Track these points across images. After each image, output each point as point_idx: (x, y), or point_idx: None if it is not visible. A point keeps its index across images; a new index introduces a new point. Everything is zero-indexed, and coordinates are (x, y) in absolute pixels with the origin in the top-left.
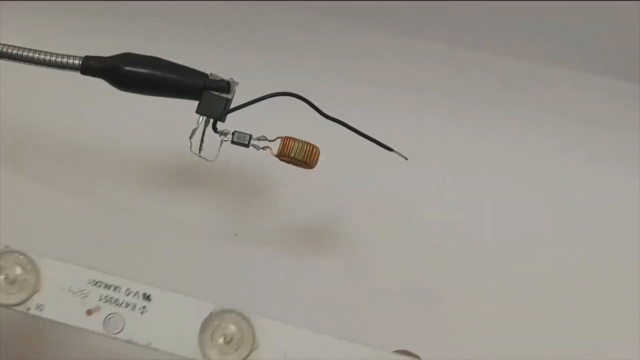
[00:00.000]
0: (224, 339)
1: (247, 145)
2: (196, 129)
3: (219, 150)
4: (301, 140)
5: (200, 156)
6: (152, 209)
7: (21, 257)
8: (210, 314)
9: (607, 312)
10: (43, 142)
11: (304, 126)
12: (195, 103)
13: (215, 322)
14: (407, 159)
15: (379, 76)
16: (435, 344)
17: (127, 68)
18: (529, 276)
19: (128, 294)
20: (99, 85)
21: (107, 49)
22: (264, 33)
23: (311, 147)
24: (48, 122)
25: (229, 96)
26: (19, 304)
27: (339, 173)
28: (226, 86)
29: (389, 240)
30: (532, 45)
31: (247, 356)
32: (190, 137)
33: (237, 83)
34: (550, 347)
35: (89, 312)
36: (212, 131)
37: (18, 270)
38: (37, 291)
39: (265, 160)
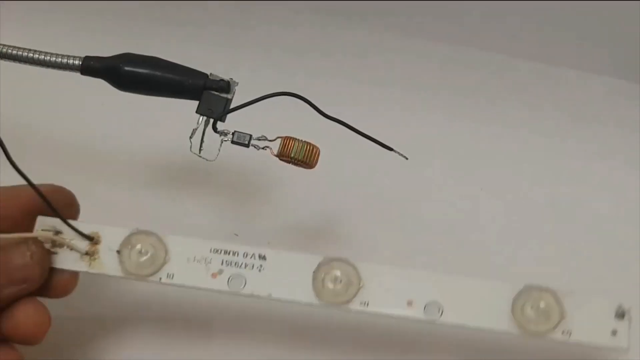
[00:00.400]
0: (334, 282)
1: (247, 145)
2: (196, 129)
3: (219, 150)
4: (301, 140)
5: (200, 156)
6: (152, 209)
7: (150, 235)
8: (319, 264)
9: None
10: (43, 143)
11: (304, 126)
12: (195, 103)
13: (324, 270)
14: (407, 158)
15: (379, 76)
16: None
17: (127, 68)
18: (529, 276)
19: (246, 257)
20: (99, 85)
21: (107, 49)
22: (263, 33)
23: (311, 147)
24: (48, 122)
25: (229, 96)
26: (151, 275)
27: (339, 173)
28: (226, 86)
29: (389, 240)
30: (533, 44)
31: (355, 295)
32: (190, 137)
33: (237, 83)
34: (550, 347)
35: (214, 275)
36: (212, 131)
37: (148, 247)
38: (166, 262)
39: (266, 160)
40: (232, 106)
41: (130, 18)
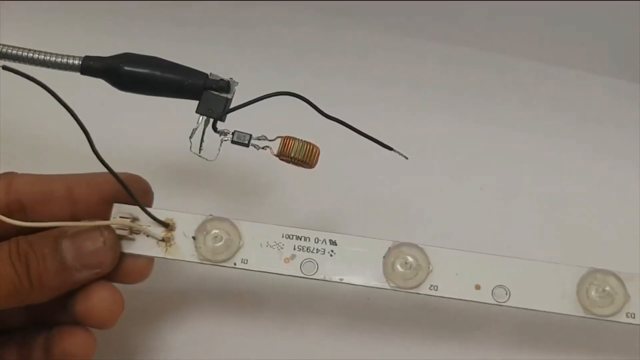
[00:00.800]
0: (404, 267)
1: (247, 145)
2: (196, 129)
3: (219, 150)
4: (301, 140)
5: (200, 156)
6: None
7: (224, 222)
8: (389, 248)
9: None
10: (43, 143)
11: (304, 126)
12: (195, 103)
13: (394, 254)
14: (407, 158)
15: (379, 75)
16: (437, 344)
17: (126, 68)
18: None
19: (317, 242)
20: (99, 85)
21: (107, 49)
22: (263, 32)
23: (311, 147)
24: (48, 122)
25: (229, 96)
26: (226, 260)
27: (340, 172)
28: (226, 86)
29: (390, 238)
30: (533, 44)
31: (425, 279)
32: (190, 137)
33: (237, 83)
34: (551, 347)
35: (287, 261)
36: (212, 131)
37: (222, 233)
38: (240, 248)
39: (266, 159)
40: (232, 106)
41: (130, 18)
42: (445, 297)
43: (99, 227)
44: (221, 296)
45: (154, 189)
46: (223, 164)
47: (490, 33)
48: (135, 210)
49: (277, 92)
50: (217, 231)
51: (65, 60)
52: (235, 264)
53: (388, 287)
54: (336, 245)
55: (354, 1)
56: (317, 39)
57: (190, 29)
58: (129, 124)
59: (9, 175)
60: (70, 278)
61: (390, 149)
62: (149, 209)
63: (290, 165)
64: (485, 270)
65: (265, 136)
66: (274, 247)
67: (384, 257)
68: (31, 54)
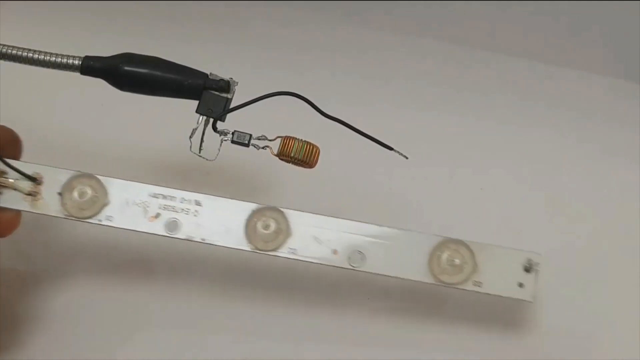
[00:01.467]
0: (265, 229)
1: (247, 145)
2: (196, 129)
3: (219, 150)
4: (301, 140)
5: (200, 156)
6: None
7: (91, 179)
8: (252, 210)
9: (609, 309)
10: (43, 143)
11: (304, 125)
12: (195, 103)
13: (256, 218)
14: (407, 158)
15: (379, 75)
16: (437, 342)
17: (126, 68)
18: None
19: (182, 202)
20: (99, 85)
21: (106, 49)
22: (263, 32)
23: (311, 147)
24: (48, 122)
25: (229, 96)
26: (91, 217)
27: (339, 172)
28: (226, 86)
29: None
30: (533, 44)
31: (284, 242)
32: (190, 137)
33: (237, 82)
34: (550, 346)
35: (151, 219)
36: (212, 131)
37: (89, 190)
38: (106, 205)
39: (266, 159)
40: (231, 106)
41: (129, 18)
42: (299, 260)
43: None
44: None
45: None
46: (223, 163)
47: (490, 33)
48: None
49: (277, 92)
50: (83, 187)
51: (65, 60)
52: (100, 221)
53: (248, 249)
54: (201, 206)
55: (355, 0)
56: (317, 38)
57: (190, 29)
58: (129, 123)
59: None
60: None
61: (391, 148)
62: (14, 163)
63: (290, 165)
64: (343, 235)
65: (265, 136)
66: (140, 205)
67: (246, 219)
68: (31, 54)
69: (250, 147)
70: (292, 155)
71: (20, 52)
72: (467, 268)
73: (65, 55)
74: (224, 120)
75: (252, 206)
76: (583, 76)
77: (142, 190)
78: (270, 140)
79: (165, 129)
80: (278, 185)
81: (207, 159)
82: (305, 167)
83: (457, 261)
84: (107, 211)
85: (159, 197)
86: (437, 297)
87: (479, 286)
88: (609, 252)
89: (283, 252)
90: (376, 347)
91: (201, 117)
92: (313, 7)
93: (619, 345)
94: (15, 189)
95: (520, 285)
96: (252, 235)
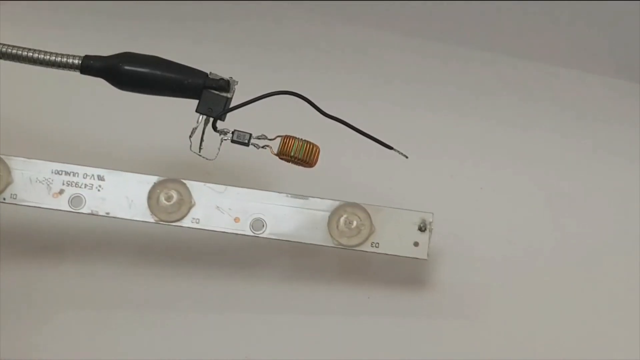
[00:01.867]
0: (167, 200)
1: (247, 144)
2: (196, 128)
3: (219, 149)
4: (301, 139)
5: (200, 155)
6: None
7: None
8: (154, 184)
9: (608, 308)
10: (43, 143)
11: (304, 125)
12: (195, 102)
13: (158, 190)
14: (407, 157)
15: (379, 75)
16: (437, 342)
17: (126, 67)
18: (530, 274)
19: (85, 177)
20: (99, 84)
21: (106, 49)
22: (263, 31)
23: (311, 146)
24: (48, 122)
25: (229, 95)
26: None
27: (339, 172)
28: (226, 85)
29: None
30: (533, 44)
31: (187, 213)
32: (190, 136)
33: (237, 82)
34: (551, 345)
35: (55, 195)
36: (212, 130)
37: None
38: (9, 184)
39: (266, 159)
40: (231, 105)
41: (129, 17)
42: (207, 230)
43: None
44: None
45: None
46: (223, 163)
47: (490, 33)
48: None
49: (277, 91)
50: None
51: (65, 59)
52: (4, 199)
53: (152, 221)
54: (104, 180)
55: (355, 0)
56: (317, 37)
57: (190, 28)
58: (129, 123)
59: None
60: None
61: (390, 148)
62: None
63: (290, 164)
64: (244, 204)
65: (265, 135)
66: (43, 182)
67: (148, 192)
68: (31, 54)
69: (250, 146)
70: (292, 154)
71: (20, 52)
72: (365, 230)
73: (65, 55)
74: (223, 120)
75: (154, 179)
76: (583, 76)
77: (44, 167)
78: (270, 139)
79: (165, 128)
80: (278, 185)
81: (207, 158)
82: (305, 166)
83: (354, 224)
84: (10, 189)
85: (61, 173)
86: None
87: (376, 247)
88: (609, 252)
89: (187, 223)
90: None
91: (201, 117)
92: (313, 7)
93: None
94: None
95: (416, 244)
96: (154, 207)
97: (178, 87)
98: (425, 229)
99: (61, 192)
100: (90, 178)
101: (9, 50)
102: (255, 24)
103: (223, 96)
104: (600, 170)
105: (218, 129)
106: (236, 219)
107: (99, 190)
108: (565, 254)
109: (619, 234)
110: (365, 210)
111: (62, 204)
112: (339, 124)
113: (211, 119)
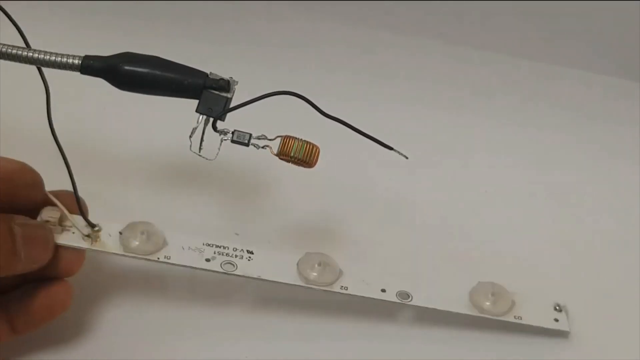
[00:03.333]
0: (316, 271)
1: (247, 144)
2: (196, 128)
3: (219, 150)
4: (301, 139)
5: (200, 155)
6: (152, 209)
7: (148, 225)
8: (301, 257)
9: (608, 308)
10: (43, 143)
11: (304, 125)
12: (195, 102)
13: (307, 261)
14: (407, 157)
15: (380, 75)
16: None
17: (126, 67)
18: (530, 274)
19: (235, 250)
20: (99, 84)
21: (106, 48)
22: (264, 31)
23: (311, 146)
24: (47, 122)
25: (229, 95)
26: (150, 254)
27: (339, 172)
28: (226, 85)
29: (390, 239)
30: (533, 44)
31: (337, 279)
32: (190, 136)
33: (237, 82)
34: (551, 344)
35: (207, 260)
36: (212, 130)
37: (147, 233)
38: (164, 247)
39: (266, 159)
40: (231, 105)
41: (129, 17)
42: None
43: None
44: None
45: (153, 188)
46: (223, 163)
47: (490, 33)
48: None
49: (277, 92)
50: (142, 229)
51: (65, 59)
52: (158, 258)
53: (303, 285)
54: (253, 254)
55: (355, 1)
56: (317, 38)
57: (191, 28)
58: (129, 123)
59: None
60: (15, 265)
61: (391, 148)
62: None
63: (290, 165)
64: (390, 278)
65: (265, 135)
66: (195, 250)
67: (297, 263)
68: (31, 54)
69: (250, 146)
70: (292, 154)
71: (20, 52)
72: (505, 304)
73: (65, 55)
74: (223, 120)
75: (301, 254)
76: (583, 76)
77: (196, 240)
78: (270, 139)
79: (165, 128)
80: (278, 185)
81: (207, 159)
82: (305, 166)
83: (495, 298)
84: (164, 252)
85: (212, 246)
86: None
87: (519, 319)
88: (609, 252)
89: (335, 288)
90: None
91: (201, 117)
92: (314, 7)
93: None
94: (75, 232)
95: (556, 320)
96: (304, 274)
97: (178, 87)
98: (561, 310)
99: (213, 258)
100: (240, 251)
101: (9, 50)
102: (256, 24)
103: (223, 96)
104: (600, 170)
105: (218, 129)
106: (383, 290)
107: (249, 260)
108: (566, 254)
109: (620, 234)
110: (503, 288)
111: (215, 266)
112: (339, 124)
113: (211, 119)
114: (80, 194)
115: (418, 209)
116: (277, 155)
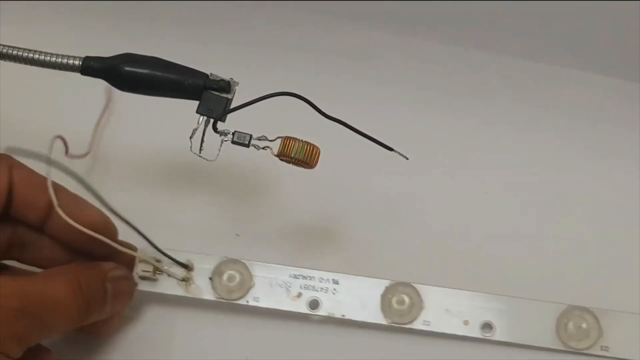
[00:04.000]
0: (399, 304)
1: (247, 145)
2: (196, 129)
3: (219, 150)
4: (301, 140)
5: (200, 156)
6: (153, 209)
7: (237, 263)
8: (386, 287)
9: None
10: (43, 144)
11: (304, 126)
12: (196, 103)
13: (390, 292)
14: (407, 158)
15: (380, 76)
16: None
17: (127, 68)
18: (530, 274)
19: (321, 281)
20: (100, 85)
21: (107, 49)
22: (264, 32)
23: (311, 147)
24: (48, 122)
25: (229, 96)
26: (240, 298)
27: (340, 173)
28: (226, 86)
29: (391, 239)
30: (533, 44)
31: (418, 315)
32: (191, 137)
33: (238, 83)
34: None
35: (294, 298)
36: (213, 131)
37: (237, 274)
38: (252, 287)
39: (266, 160)
40: (232, 106)
41: (130, 18)
42: (437, 333)
43: (130, 276)
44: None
45: (154, 188)
46: (223, 164)
47: (490, 33)
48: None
49: (278, 93)
50: (231, 272)
51: (65, 60)
52: (248, 302)
53: (386, 323)
54: (338, 284)
55: (355, 1)
56: (317, 38)
57: (191, 29)
58: (129, 124)
59: (9, 159)
60: (100, 315)
61: (391, 149)
62: (169, 252)
63: (291, 166)
64: (473, 307)
65: (265, 136)
66: (282, 286)
67: (381, 295)
68: (31, 54)
69: (251, 147)
70: (292, 155)
71: (20, 53)
72: (594, 333)
73: (66, 56)
74: (224, 121)
75: (386, 282)
76: (583, 77)
77: (283, 272)
78: (270, 140)
79: (166, 129)
80: (278, 186)
81: (207, 160)
82: (305, 167)
83: (583, 325)
84: (253, 293)
85: (299, 277)
86: None
87: (606, 350)
88: (610, 252)
89: (418, 325)
90: None
91: (201, 118)
92: (314, 7)
93: None
94: (170, 276)
95: None
96: (387, 310)
97: (178, 88)
98: None
99: (299, 295)
100: (326, 282)
101: (10, 50)
102: (256, 25)
103: (223, 97)
104: (600, 171)
105: (218, 130)
106: (465, 322)
107: (334, 293)
108: (566, 254)
109: (620, 234)
110: (592, 314)
111: (301, 306)
112: (339, 125)
113: (211, 120)
114: (78, 194)
115: (418, 209)
116: (277, 156)
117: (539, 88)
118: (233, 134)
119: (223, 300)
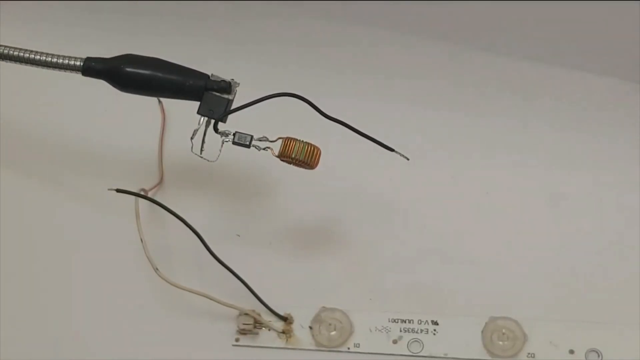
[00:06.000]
0: (501, 339)
1: (248, 146)
2: (197, 130)
3: (220, 151)
4: (302, 141)
5: (201, 157)
6: (152, 209)
7: (335, 312)
8: (486, 323)
9: (608, 308)
10: (43, 144)
11: (305, 127)
12: (197, 104)
13: (491, 328)
14: (408, 159)
15: (381, 77)
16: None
17: (128, 69)
18: (530, 275)
19: (420, 323)
20: (100, 86)
21: (108, 50)
22: (265, 33)
23: (312, 148)
24: (49, 123)
25: (230, 97)
26: (340, 345)
27: (340, 173)
28: (227, 87)
29: (391, 239)
30: (533, 44)
31: (521, 348)
32: (192, 138)
33: (238, 84)
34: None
35: (394, 342)
36: (214, 132)
37: (335, 322)
38: (352, 334)
39: (267, 160)
40: (233, 107)
41: (131, 19)
42: None
43: None
44: None
45: (155, 189)
46: (224, 164)
47: (491, 33)
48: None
49: (279, 93)
50: (330, 320)
51: (66, 61)
52: (349, 348)
53: (490, 358)
54: (438, 325)
55: (356, 1)
56: (318, 40)
57: (192, 30)
58: (130, 124)
59: None
60: None
61: (392, 150)
62: (269, 306)
63: (292, 166)
64: (577, 336)
65: (266, 137)
66: (382, 331)
67: (482, 331)
68: (32, 55)
69: (252, 148)
70: (293, 156)
71: (21, 54)
72: None
73: (67, 57)
74: (225, 122)
75: (485, 318)
76: (583, 77)
77: (382, 317)
78: (271, 141)
79: (167, 129)
80: (279, 186)
81: (208, 160)
82: (306, 168)
83: None
84: (353, 339)
85: (397, 321)
86: None
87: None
88: (610, 252)
89: (522, 358)
90: None
91: (202, 118)
92: (315, 8)
93: None
94: (270, 329)
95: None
96: (489, 345)
97: (179, 89)
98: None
99: (400, 338)
100: (425, 324)
101: (10, 52)
102: (257, 26)
103: (224, 98)
104: (600, 171)
105: (219, 130)
106: (571, 351)
107: (434, 334)
108: (566, 254)
109: (620, 234)
110: None
111: (402, 349)
112: (340, 125)
113: (212, 121)
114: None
115: (418, 210)
116: (278, 156)
117: (539, 88)
118: (234, 134)
119: (324, 350)
